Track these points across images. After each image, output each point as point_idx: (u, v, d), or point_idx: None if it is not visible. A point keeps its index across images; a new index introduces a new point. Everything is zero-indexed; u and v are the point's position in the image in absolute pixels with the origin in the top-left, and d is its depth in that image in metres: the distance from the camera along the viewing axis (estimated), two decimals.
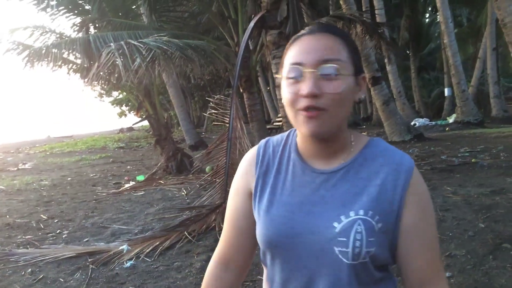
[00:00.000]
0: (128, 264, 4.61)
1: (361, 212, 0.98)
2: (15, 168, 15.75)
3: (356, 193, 1.01)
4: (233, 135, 5.64)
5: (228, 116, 6.01)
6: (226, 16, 9.12)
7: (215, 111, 6.49)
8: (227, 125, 6.00)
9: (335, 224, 0.98)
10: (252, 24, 6.65)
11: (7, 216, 7.49)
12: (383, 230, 0.98)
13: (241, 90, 8.37)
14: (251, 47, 8.68)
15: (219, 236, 4.29)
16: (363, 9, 14.53)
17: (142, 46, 6.58)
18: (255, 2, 7.50)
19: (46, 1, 9.58)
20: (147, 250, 4.92)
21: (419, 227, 1.00)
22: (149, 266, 4.57)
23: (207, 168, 9.25)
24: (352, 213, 0.98)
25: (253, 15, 7.24)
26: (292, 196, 1.07)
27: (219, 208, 5.50)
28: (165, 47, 6.83)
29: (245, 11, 8.72)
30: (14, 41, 9.63)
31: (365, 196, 1.00)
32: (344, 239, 0.96)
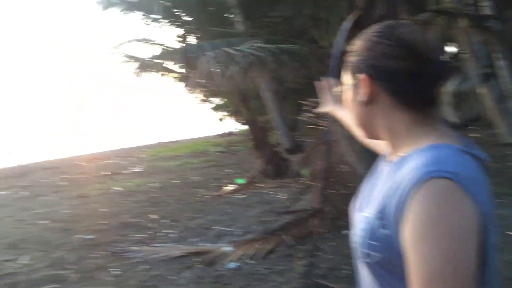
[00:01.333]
0: (233, 265, 4.80)
1: (371, 211, 0.98)
2: (128, 171, 17.17)
3: (381, 192, 1.00)
4: (330, 138, 5.60)
5: (325, 119, 5.98)
6: (319, 18, 9.08)
7: (311, 114, 6.49)
8: (324, 128, 5.97)
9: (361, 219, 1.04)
10: (346, 24, 6.55)
11: (122, 216, 8.20)
12: (391, 237, 0.91)
13: None
14: (345, 48, 8.54)
15: (319, 241, 4.29)
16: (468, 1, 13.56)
17: (237, 53, 6.82)
18: (349, 1, 7.37)
19: (152, 16, 10.34)
20: (250, 253, 5.08)
21: (407, 245, 0.87)
22: (252, 268, 4.71)
23: (305, 172, 9.27)
24: (366, 210, 1.01)
25: (347, 16, 7.12)
26: None
27: (319, 213, 5.49)
28: (259, 53, 7.00)
29: (338, 12, 8.60)
30: (127, 54, 10.52)
31: (381, 197, 0.97)
32: (357, 234, 1.01)
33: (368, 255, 0.96)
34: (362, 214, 1.04)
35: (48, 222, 8.37)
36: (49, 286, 4.76)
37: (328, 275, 4.23)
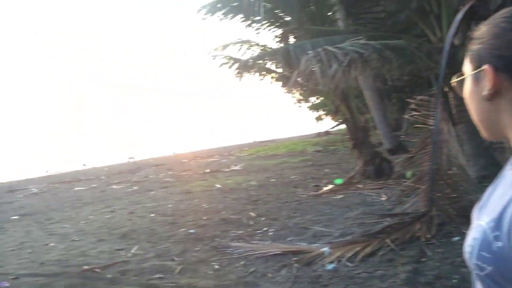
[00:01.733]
0: (330, 266, 4.69)
1: (486, 220, 0.86)
2: (228, 169, 17.76)
3: (500, 200, 0.87)
4: (439, 138, 5.23)
5: (432, 117, 5.61)
6: (428, 11, 8.55)
7: (417, 113, 6.13)
8: (431, 127, 5.60)
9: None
10: (459, 16, 6.08)
11: (223, 212, 8.47)
12: (503, 250, 0.80)
13: (446, 90, 7.72)
14: (456, 42, 7.94)
15: (425, 247, 4.01)
16: None
17: (338, 51, 6.66)
18: None
19: (252, 17, 10.53)
20: (348, 255, 4.92)
21: None
22: (350, 271, 4.56)
23: (409, 174, 8.78)
24: (482, 219, 0.89)
25: (460, 6, 6.61)
26: None
27: (424, 217, 5.16)
28: (361, 50, 6.77)
29: (449, 3, 8.03)
30: (227, 55, 10.86)
31: (499, 205, 0.85)
32: (469, 244, 0.91)
33: (479, 267, 0.87)
34: (478, 222, 0.93)
35: (156, 215, 8.94)
36: (156, 276, 5.05)
37: (435, 284, 3.93)
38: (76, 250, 6.57)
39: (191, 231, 7.15)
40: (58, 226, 8.91)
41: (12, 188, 22.28)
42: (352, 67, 7.26)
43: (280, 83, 14.54)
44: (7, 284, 5.06)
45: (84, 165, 39.20)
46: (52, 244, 7.21)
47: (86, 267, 5.55)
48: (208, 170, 18.55)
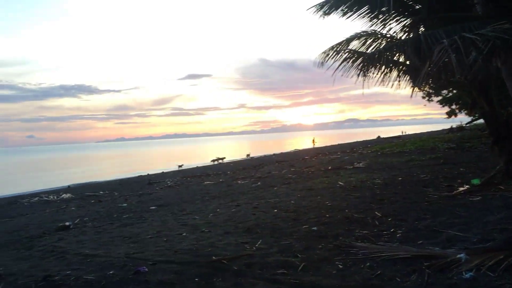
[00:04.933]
0: (468, 275, 4.25)
1: None
2: (351, 166, 17.32)
3: None
4: None
5: None
6: None
7: None
8: None
9: None
10: None
11: (346, 210, 8.24)
12: None
13: None
14: None
15: None
16: None
17: (478, 38, 6.00)
18: None
19: (378, 9, 10.04)
20: (489, 263, 4.41)
21: None
22: (492, 281, 4.07)
23: None
24: None
25: None
26: None
27: None
28: (506, 36, 6.01)
29: None
30: (350, 49, 10.52)
31: None
32: None
33: None
34: None
35: (279, 211, 9.06)
36: (280, 271, 5.08)
37: None
38: (205, 241, 6.93)
39: (314, 228, 7.08)
40: (189, 217, 9.53)
41: (151, 181, 24.56)
42: (493, 55, 6.52)
43: (407, 77, 13.70)
44: (146, 269, 5.52)
45: (213, 160, 41.62)
46: (184, 234, 7.72)
47: (214, 257, 5.82)
48: (330, 167, 18.32)
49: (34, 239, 9.00)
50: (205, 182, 19.53)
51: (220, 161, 42.32)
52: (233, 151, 71.73)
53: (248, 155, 48.56)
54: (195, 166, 39.76)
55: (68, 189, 25.70)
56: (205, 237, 7.30)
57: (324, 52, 11.57)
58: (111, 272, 5.53)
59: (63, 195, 21.05)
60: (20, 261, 6.79)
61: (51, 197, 20.90)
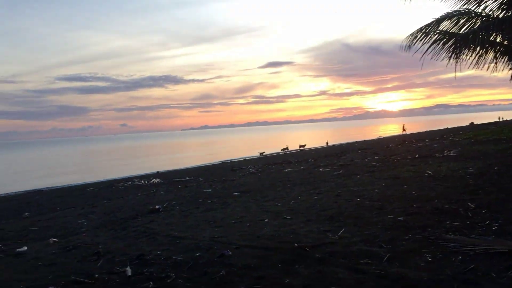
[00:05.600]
0: None
1: None
2: (441, 155, 16.39)
3: None
4: None
5: None
6: None
7: None
8: None
9: None
10: None
11: (435, 201, 7.82)
12: None
13: None
14: None
15: None
16: None
17: None
18: None
19: None
20: None
21: None
22: None
23: None
24: None
25: None
26: None
27: None
28: None
29: None
30: (440, 31, 9.90)
31: None
32: None
33: None
34: None
35: (362, 199, 8.84)
36: (364, 261, 4.96)
37: None
38: (287, 228, 6.97)
39: (400, 218, 6.81)
40: (271, 204, 9.64)
41: (234, 168, 25.21)
42: None
43: (506, 58, 12.62)
44: (230, 253, 5.68)
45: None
46: (266, 220, 7.83)
47: (296, 244, 5.83)
48: (417, 155, 17.50)
49: (128, 220, 9.65)
50: (286, 169, 19.62)
51: (302, 148, 42.25)
52: (314, 138, 71.23)
53: (327, 143, 47.89)
54: (276, 153, 40.09)
55: (157, 174, 27.22)
56: (287, 223, 7.35)
57: (412, 35, 11.00)
58: (197, 254, 5.77)
59: (153, 180, 22.35)
60: (117, 240, 7.32)
61: (142, 181, 22.29)
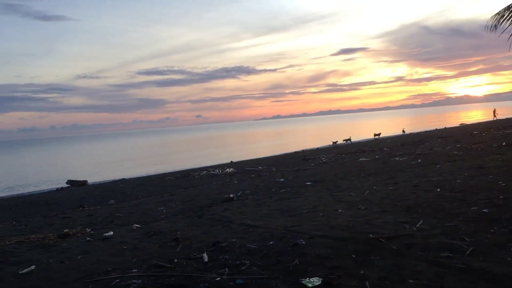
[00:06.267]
0: None
1: None
2: None
3: None
4: None
5: None
6: None
7: None
8: None
9: None
10: None
11: None
12: None
13: None
14: None
15: None
16: None
17: None
18: None
19: None
20: None
21: None
22: None
23: None
24: None
25: None
26: None
27: None
28: None
29: None
30: None
31: None
32: None
33: None
34: None
35: (442, 190, 8.42)
36: (444, 254, 4.73)
37: None
38: (362, 218, 6.82)
39: (484, 210, 6.41)
40: (345, 194, 9.48)
41: (306, 157, 25.11)
42: None
43: None
44: (303, 242, 5.68)
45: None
46: (340, 210, 7.72)
47: (372, 235, 5.69)
48: (504, 143, 16.32)
49: (204, 208, 9.98)
50: (361, 159, 19.18)
51: (377, 137, 41.01)
52: (390, 126, 68.83)
53: (403, 131, 45.90)
54: (349, 142, 39.29)
55: (231, 164, 27.83)
56: (361, 214, 7.19)
57: (498, 14, 10.27)
58: (271, 243, 5.83)
59: (226, 170, 22.89)
60: (193, 227, 7.59)
61: (217, 171, 22.91)
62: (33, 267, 5.52)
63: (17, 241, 7.55)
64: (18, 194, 24.94)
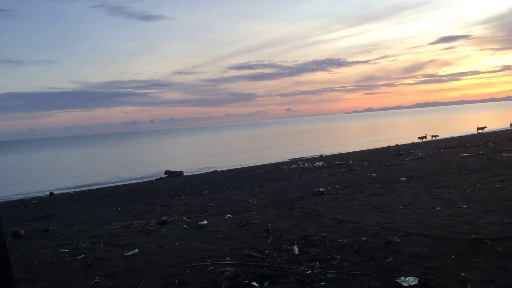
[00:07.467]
0: None
1: None
2: None
3: None
4: None
5: None
6: None
7: None
8: None
9: None
10: None
11: None
12: None
13: None
14: None
15: None
16: None
17: None
18: None
19: None
20: None
21: None
22: None
23: None
24: None
25: None
26: None
27: None
28: None
29: None
30: None
31: None
32: None
33: None
34: None
35: None
36: None
37: None
38: (463, 218, 6.38)
39: None
40: (443, 191, 8.93)
41: (400, 152, 24.08)
42: None
43: None
44: (397, 240, 5.45)
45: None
46: (438, 208, 7.29)
47: (474, 236, 5.30)
48: None
49: (294, 201, 10.00)
50: (462, 154, 17.95)
51: (480, 131, 38.05)
52: (496, 120, 63.46)
53: (511, 124, 41.98)
54: (449, 136, 36.96)
55: (320, 158, 27.58)
56: (462, 213, 6.73)
57: None
58: (363, 239, 5.68)
59: (316, 163, 22.73)
60: (283, 220, 7.65)
61: (306, 164, 22.85)
62: (136, 250, 5.96)
63: (122, 226, 8.19)
64: (123, 183, 27.04)
